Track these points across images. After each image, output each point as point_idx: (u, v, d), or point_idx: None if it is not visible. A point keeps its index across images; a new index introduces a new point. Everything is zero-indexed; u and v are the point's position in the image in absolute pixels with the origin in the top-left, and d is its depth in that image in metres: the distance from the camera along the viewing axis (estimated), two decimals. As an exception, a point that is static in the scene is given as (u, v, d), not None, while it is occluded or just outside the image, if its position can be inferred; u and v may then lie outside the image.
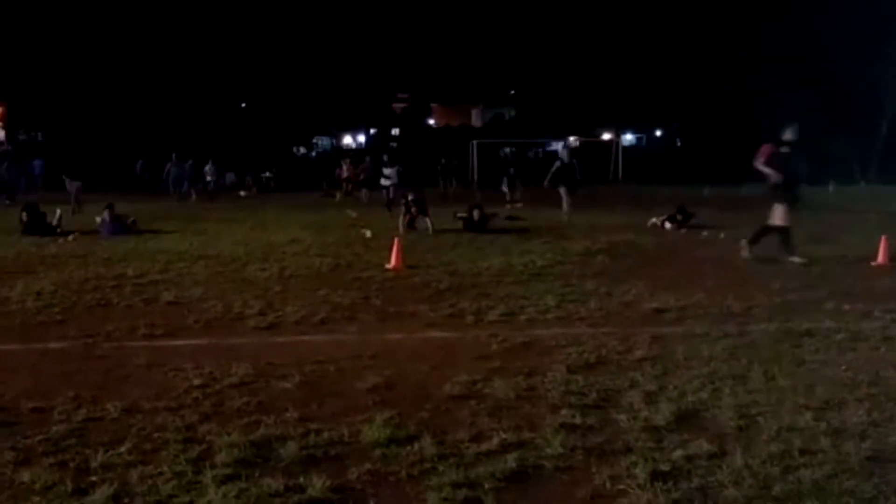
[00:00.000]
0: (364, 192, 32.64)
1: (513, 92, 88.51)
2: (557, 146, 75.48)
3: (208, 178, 37.12)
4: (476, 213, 19.12)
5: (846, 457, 4.91)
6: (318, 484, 4.54)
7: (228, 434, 5.31)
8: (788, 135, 13.51)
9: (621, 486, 4.53)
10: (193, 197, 34.61)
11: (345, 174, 36.00)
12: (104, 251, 15.18)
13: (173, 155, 36.33)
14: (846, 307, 9.54)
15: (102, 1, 58.23)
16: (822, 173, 36.32)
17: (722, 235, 17.61)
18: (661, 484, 4.53)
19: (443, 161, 41.18)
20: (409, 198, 19.62)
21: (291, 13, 69.17)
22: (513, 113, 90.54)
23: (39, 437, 5.31)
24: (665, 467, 4.76)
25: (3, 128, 67.45)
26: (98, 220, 19.08)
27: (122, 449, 5.09)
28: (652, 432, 5.35)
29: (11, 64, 55.56)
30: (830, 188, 34.28)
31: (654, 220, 20.20)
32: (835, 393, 6.18)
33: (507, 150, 66.35)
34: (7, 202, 31.45)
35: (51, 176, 45.43)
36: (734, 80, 53.94)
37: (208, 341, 8.12)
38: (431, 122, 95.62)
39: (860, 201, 31.04)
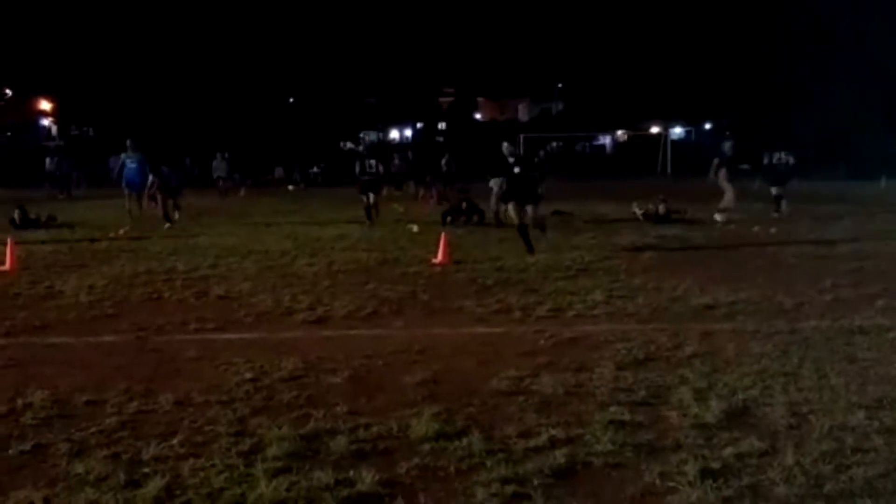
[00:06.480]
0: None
1: (560, 85, 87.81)
2: (605, 140, 75.10)
3: (217, 175, 35.85)
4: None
5: (900, 456, 4.85)
6: (367, 478, 4.57)
7: (279, 427, 5.37)
8: None
9: (671, 484, 4.52)
10: (242, 192, 34.79)
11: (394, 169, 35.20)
12: (155, 245, 15.41)
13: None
14: (899, 304, 9.38)
15: (152, -2, 59.01)
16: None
17: (773, 230, 17.39)
18: (711, 482, 4.50)
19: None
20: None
21: (338, 8, 69.46)
22: (560, 107, 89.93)
23: (93, 430, 5.42)
24: (715, 465, 4.73)
25: (56, 123, 68.56)
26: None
27: (174, 441, 5.17)
28: (702, 429, 5.32)
29: (63, 60, 56.45)
30: (882, 184, 33.67)
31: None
32: (887, 391, 6.09)
33: (554, 144, 65.87)
34: (61, 196, 32.00)
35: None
36: (784, 74, 53.21)
37: (258, 335, 8.21)
38: (478, 116, 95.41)
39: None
